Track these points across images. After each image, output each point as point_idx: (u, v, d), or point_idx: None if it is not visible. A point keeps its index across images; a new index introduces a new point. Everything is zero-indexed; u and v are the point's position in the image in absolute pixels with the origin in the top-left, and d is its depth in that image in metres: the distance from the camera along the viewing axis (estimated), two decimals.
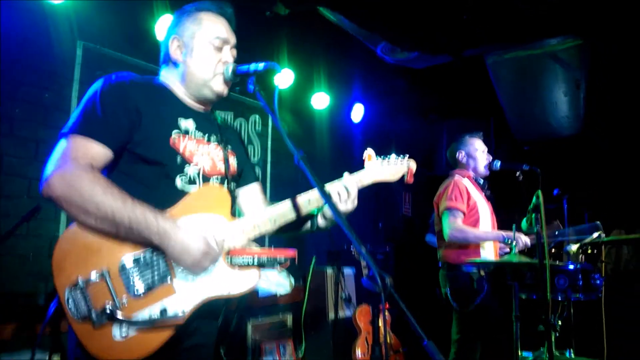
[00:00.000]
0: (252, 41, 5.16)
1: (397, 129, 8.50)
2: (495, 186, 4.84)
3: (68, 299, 1.73)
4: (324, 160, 7.23)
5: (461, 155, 4.61)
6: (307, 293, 5.81)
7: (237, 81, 2.14)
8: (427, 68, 6.21)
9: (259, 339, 5.08)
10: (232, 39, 2.21)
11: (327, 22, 5.18)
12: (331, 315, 5.87)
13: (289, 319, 5.56)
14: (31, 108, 4.26)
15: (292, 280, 5.61)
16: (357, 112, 7.53)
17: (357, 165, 2.41)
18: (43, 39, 4.34)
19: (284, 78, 6.16)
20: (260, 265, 3.68)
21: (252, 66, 2.02)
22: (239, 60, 2.19)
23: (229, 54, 2.17)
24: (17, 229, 3.61)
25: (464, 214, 4.28)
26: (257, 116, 6.66)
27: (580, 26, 5.24)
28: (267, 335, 5.19)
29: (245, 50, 2.49)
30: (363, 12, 5.00)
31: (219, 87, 2.14)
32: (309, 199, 2.16)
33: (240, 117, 6.45)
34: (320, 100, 6.99)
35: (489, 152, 4.66)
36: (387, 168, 2.40)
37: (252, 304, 5.10)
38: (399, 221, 8.69)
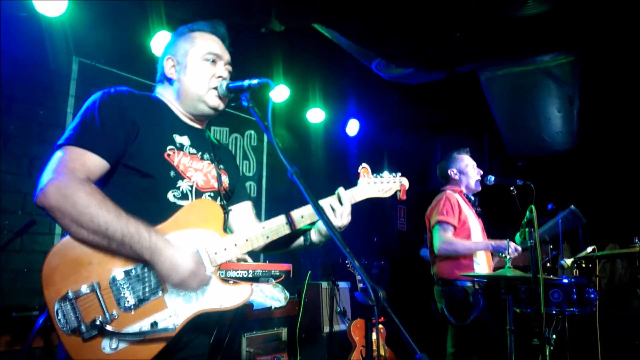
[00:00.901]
0: (248, 57, 5.21)
1: (391, 144, 8.55)
2: (489, 201, 4.87)
3: (57, 312, 1.71)
4: (320, 174, 7.25)
5: (453, 173, 4.64)
6: (302, 307, 5.80)
7: (231, 97, 2.17)
8: (422, 84, 6.26)
9: (253, 352, 5.06)
10: (226, 56, 2.24)
11: (323, 39, 5.23)
12: (326, 329, 5.86)
13: (283, 332, 5.54)
14: (26, 124, 4.28)
15: (287, 293, 5.61)
16: (353, 127, 7.57)
17: (352, 179, 2.43)
18: (39, 55, 4.37)
19: (279, 93, 6.20)
20: (255, 278, 3.69)
21: (246, 82, 2.04)
22: (235, 76, 2.21)
23: (222, 69, 2.19)
24: (11, 244, 3.61)
25: (455, 227, 4.30)
26: (253, 131, 6.70)
27: (572, 42, 5.30)
28: (261, 348, 5.17)
29: (241, 67, 2.52)
30: (357, 30, 5.05)
31: (214, 101, 2.16)
32: (302, 215, 2.17)
33: (236, 132, 6.48)
34: (316, 115, 7.03)
35: (482, 167, 4.70)
36: (379, 185, 2.42)
37: (247, 317, 5.09)
38: (394, 236, 8.70)
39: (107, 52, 4.86)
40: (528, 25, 4.84)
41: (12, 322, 3.48)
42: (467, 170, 4.60)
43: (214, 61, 2.17)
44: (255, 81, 2.02)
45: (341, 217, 2.19)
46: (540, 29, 4.93)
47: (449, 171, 4.67)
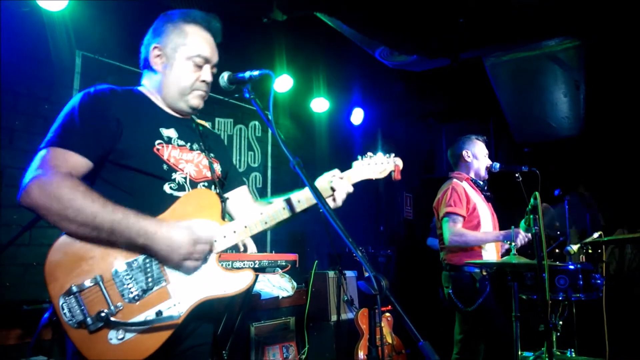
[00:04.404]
0: (250, 48, 5.19)
1: (396, 132, 8.52)
2: (495, 188, 4.85)
3: (62, 306, 1.73)
4: (324, 164, 7.20)
5: (467, 154, 4.58)
6: (309, 296, 5.83)
7: (232, 89, 2.16)
8: (426, 71, 6.22)
9: (262, 341, 5.10)
10: (215, 58, 2.21)
11: (326, 27, 5.20)
12: (333, 318, 5.89)
13: (291, 321, 5.58)
14: (31, 119, 4.30)
15: (294, 283, 5.64)
16: (357, 116, 7.56)
17: None
18: (42, 50, 4.38)
19: (283, 83, 6.20)
20: (262, 269, 3.71)
21: (247, 73, 2.05)
22: (238, 67, 2.20)
23: (208, 73, 2.17)
24: (20, 237, 3.63)
25: (464, 218, 4.28)
26: (257, 122, 6.70)
27: (578, 27, 5.25)
28: (270, 337, 5.21)
29: (243, 57, 2.52)
30: (360, 17, 5.02)
31: (195, 102, 2.16)
32: (299, 199, 2.17)
33: (240, 124, 6.49)
34: (320, 105, 7.02)
35: (489, 155, 4.68)
36: (373, 167, 2.42)
37: (255, 307, 5.12)
38: (401, 224, 8.71)
39: (110, 45, 4.86)
40: (533, 9, 4.79)
41: (23, 315, 3.52)
42: (481, 157, 4.57)
43: (201, 64, 2.15)
44: (256, 72, 2.04)
45: (334, 200, 2.22)
46: (545, 13, 4.88)
47: (463, 152, 4.60)
